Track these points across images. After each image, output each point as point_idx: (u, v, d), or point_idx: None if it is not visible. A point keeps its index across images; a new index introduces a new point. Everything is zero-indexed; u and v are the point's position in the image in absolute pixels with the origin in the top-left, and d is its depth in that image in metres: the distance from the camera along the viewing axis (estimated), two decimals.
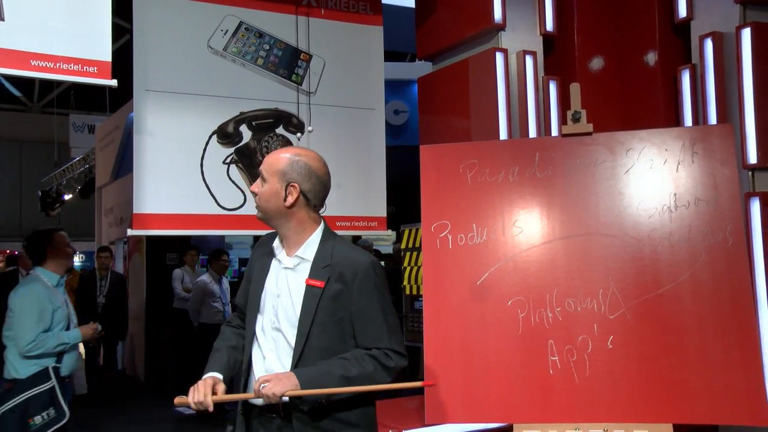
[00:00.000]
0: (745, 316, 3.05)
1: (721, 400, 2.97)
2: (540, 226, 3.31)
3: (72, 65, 3.29)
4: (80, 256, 15.36)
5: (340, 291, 2.26)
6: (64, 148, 14.01)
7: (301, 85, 4.31)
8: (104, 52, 3.38)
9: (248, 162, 4.15)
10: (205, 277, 7.03)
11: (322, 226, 2.38)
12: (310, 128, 4.25)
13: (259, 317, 2.36)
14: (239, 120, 4.17)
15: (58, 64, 3.27)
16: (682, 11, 3.90)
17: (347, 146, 4.39)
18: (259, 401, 2.24)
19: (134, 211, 3.88)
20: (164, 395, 6.55)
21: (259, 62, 4.22)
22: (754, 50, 3.55)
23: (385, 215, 4.45)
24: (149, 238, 8.32)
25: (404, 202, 4.87)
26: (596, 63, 4.25)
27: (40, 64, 3.24)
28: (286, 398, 2.17)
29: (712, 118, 3.66)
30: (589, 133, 3.27)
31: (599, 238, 3.18)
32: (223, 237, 10.09)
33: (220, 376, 2.29)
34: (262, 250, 2.46)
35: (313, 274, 2.29)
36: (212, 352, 2.44)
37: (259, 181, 2.35)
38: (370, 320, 2.29)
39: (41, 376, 3.77)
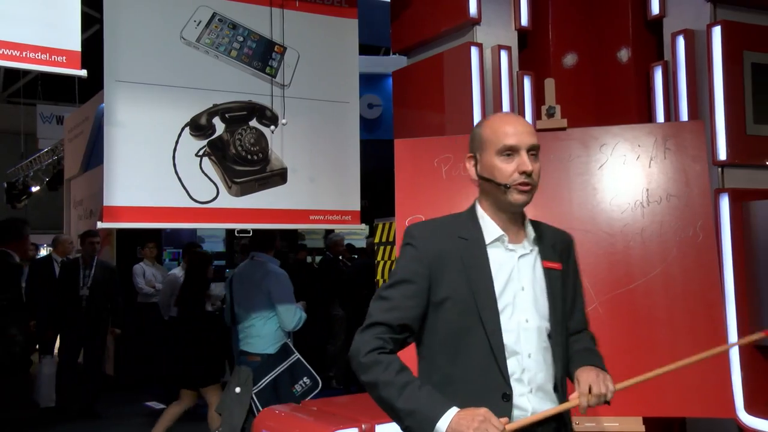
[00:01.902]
0: (714, 311, 3.09)
1: (690, 393, 3.01)
2: None
3: (39, 54, 3.21)
4: (48, 248, 15.11)
5: (566, 270, 1.99)
6: (31, 139, 13.75)
7: (275, 78, 4.27)
8: (73, 42, 3.30)
9: (221, 155, 4.10)
10: (177, 271, 6.93)
11: None
12: (284, 121, 4.22)
13: (501, 320, 1.86)
14: (212, 112, 4.11)
15: (25, 53, 3.19)
16: (655, 8, 3.94)
17: (321, 139, 4.36)
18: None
19: (104, 204, 3.82)
20: (134, 390, 6.50)
21: (232, 54, 4.17)
22: (724, 48, 3.59)
23: (359, 209, 4.43)
24: (120, 230, 8.20)
25: (378, 197, 4.86)
26: (570, 59, 4.27)
27: (7, 53, 3.15)
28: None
29: (684, 115, 3.70)
30: (564, 129, 3.29)
31: (573, 233, 3.18)
32: (195, 231, 9.99)
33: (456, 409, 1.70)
34: (447, 244, 1.93)
35: (546, 256, 1.96)
36: (411, 389, 1.78)
37: (530, 157, 1.92)
38: (580, 298, 2.05)
39: (286, 350, 4.47)
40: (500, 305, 1.87)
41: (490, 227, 1.96)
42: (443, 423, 1.68)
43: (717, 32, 3.61)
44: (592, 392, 1.78)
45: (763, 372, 3.53)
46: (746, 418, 3.40)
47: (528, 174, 1.91)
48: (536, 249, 1.97)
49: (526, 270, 1.93)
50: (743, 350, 3.46)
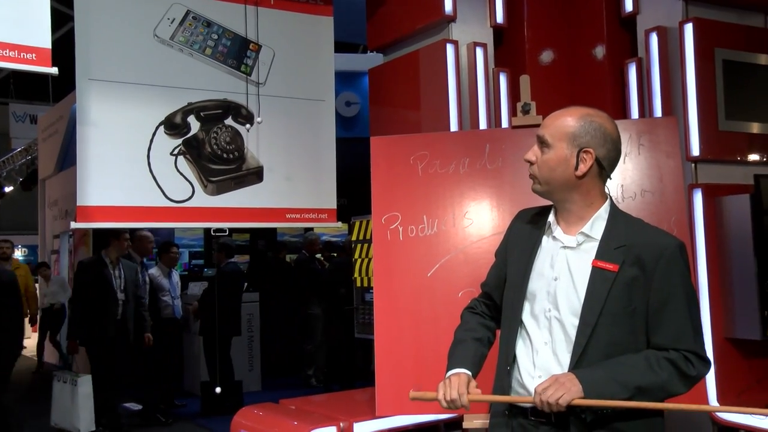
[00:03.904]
0: None
1: None
2: (490, 218, 3.33)
3: (8, 51, 3.16)
4: (23, 249, 14.93)
5: (636, 277, 1.87)
6: (4, 138, 13.57)
7: (250, 76, 4.25)
8: (43, 39, 3.26)
9: (196, 153, 4.08)
10: (154, 271, 6.88)
11: (609, 200, 2.00)
12: (259, 119, 4.19)
13: (527, 304, 1.99)
14: (187, 110, 4.08)
15: None
16: (629, 6, 3.96)
17: (297, 138, 4.35)
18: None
19: (78, 204, 3.78)
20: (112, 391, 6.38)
21: (207, 52, 4.14)
22: (696, 45, 3.62)
23: (335, 207, 4.42)
24: (96, 230, 8.10)
25: (356, 194, 4.85)
26: (546, 56, 4.29)
27: None
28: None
29: (658, 111, 3.73)
30: (539, 125, 3.30)
31: None
32: (173, 230, 9.92)
33: (469, 373, 1.97)
34: (524, 227, 2.11)
35: (602, 255, 1.91)
36: (455, 344, 2.12)
37: (537, 147, 2.00)
38: (672, 314, 1.88)
39: None
40: (530, 290, 2.00)
41: (550, 216, 2.05)
42: (447, 376, 2.00)
43: (689, 29, 3.64)
44: (541, 396, 1.81)
45: (736, 364, 3.57)
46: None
47: (529, 163, 2.03)
48: (592, 245, 1.94)
49: (571, 262, 1.95)
50: (716, 343, 3.50)
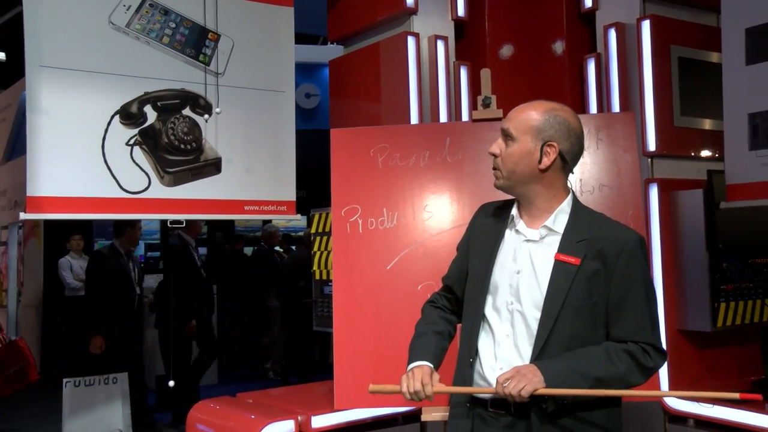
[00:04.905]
0: None
1: None
2: (450, 211, 3.34)
3: None
4: None
5: (597, 270, 1.91)
6: None
7: (208, 66, 4.17)
8: None
9: (153, 144, 3.99)
10: None
11: (572, 194, 2.04)
12: (218, 110, 4.13)
13: (489, 297, 2.02)
14: (144, 100, 4.00)
15: None
16: (588, 1, 4.00)
17: (256, 129, 4.29)
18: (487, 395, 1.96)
19: (28, 194, 3.67)
20: (60, 388, 6.23)
21: (164, 41, 4.06)
22: (653, 41, 3.68)
23: (295, 199, 4.38)
24: (48, 222, 7.92)
25: (316, 187, 4.82)
26: (506, 50, 4.31)
27: None
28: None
29: (616, 106, 3.78)
30: (500, 119, 3.31)
31: None
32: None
33: (431, 365, 2.00)
34: (487, 221, 2.13)
35: (565, 249, 1.93)
36: (416, 337, 2.14)
37: (501, 140, 2.02)
38: (632, 307, 1.93)
39: None
40: (492, 283, 2.02)
41: (513, 210, 2.07)
42: (408, 369, 2.02)
43: (646, 26, 3.69)
44: (504, 388, 1.84)
45: (687, 355, 3.65)
46: (670, 400, 3.52)
47: (493, 156, 2.05)
48: (554, 239, 1.97)
49: (533, 256, 1.98)
50: (668, 333, 3.57)
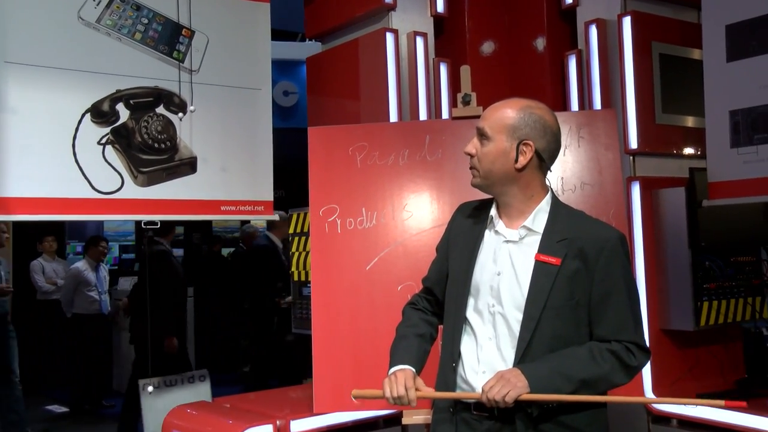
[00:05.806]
0: None
1: None
2: (430, 210, 3.29)
3: None
4: None
5: (578, 270, 1.88)
6: None
7: (182, 63, 4.08)
8: None
9: (126, 143, 3.89)
10: (80, 265, 6.64)
11: (551, 192, 2.01)
12: (192, 108, 4.04)
13: (471, 299, 1.98)
14: (116, 98, 3.90)
15: None
16: None
17: (232, 127, 4.21)
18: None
19: None
20: (36, 393, 6.12)
21: (137, 37, 3.96)
22: (634, 38, 3.64)
23: (272, 199, 4.30)
24: (17, 224, 7.74)
25: (295, 186, 4.75)
26: (487, 47, 4.26)
27: None
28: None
29: (597, 104, 3.74)
30: (479, 116, 3.26)
31: None
32: (102, 223, 9.58)
33: (413, 369, 1.95)
34: (466, 221, 2.09)
35: (545, 249, 1.91)
36: (397, 339, 2.10)
37: (476, 139, 1.99)
38: (614, 306, 1.90)
39: None
40: (473, 285, 1.99)
41: (492, 210, 2.04)
42: (390, 372, 1.97)
43: (627, 22, 3.66)
44: (488, 394, 1.80)
45: (670, 354, 3.62)
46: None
47: (469, 155, 2.02)
48: (534, 239, 1.95)
49: (513, 257, 1.95)
50: (651, 333, 3.54)
